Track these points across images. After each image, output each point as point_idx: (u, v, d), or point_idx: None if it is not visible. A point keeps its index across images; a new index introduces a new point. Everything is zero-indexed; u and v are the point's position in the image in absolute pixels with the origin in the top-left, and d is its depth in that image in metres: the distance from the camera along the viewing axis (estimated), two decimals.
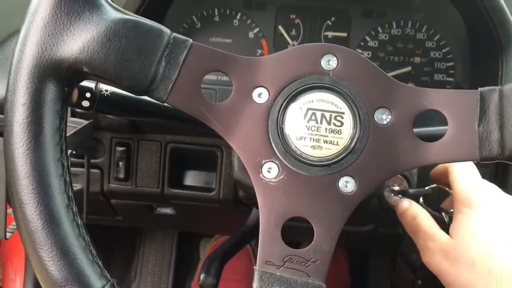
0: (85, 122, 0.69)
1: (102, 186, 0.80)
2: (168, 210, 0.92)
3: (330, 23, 0.79)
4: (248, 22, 0.81)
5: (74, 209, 0.39)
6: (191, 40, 0.41)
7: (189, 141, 0.79)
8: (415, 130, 0.40)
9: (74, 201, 0.39)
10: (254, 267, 0.39)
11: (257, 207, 0.75)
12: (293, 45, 0.81)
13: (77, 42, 0.38)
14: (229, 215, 0.87)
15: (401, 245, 0.74)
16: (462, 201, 0.50)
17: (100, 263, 0.39)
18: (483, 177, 0.75)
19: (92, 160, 0.78)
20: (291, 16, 0.80)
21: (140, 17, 0.40)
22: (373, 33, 0.78)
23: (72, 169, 0.77)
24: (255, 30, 0.81)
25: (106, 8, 0.40)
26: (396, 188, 0.65)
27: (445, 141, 0.39)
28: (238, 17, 0.81)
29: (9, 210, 0.57)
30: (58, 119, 0.39)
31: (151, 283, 1.37)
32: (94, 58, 0.38)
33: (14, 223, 0.58)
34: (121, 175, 0.79)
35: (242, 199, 0.75)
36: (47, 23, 0.38)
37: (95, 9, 0.39)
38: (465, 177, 0.53)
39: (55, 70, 0.39)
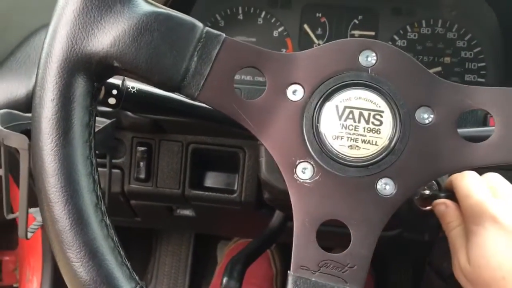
0: (108, 121, 0.68)
1: (122, 186, 0.79)
2: (187, 212, 0.90)
3: (357, 21, 0.77)
4: (272, 20, 0.79)
5: (102, 209, 0.38)
6: (224, 35, 0.40)
7: (211, 141, 0.77)
8: (459, 130, 0.38)
9: (102, 201, 0.38)
10: (289, 271, 0.38)
11: (281, 210, 0.74)
12: (319, 44, 0.79)
13: (108, 35, 0.37)
14: (249, 218, 0.85)
15: (429, 252, 0.72)
16: (470, 219, 0.48)
17: (128, 264, 0.37)
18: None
19: (113, 160, 0.77)
20: (317, 14, 0.78)
21: (172, 10, 0.39)
22: (401, 32, 0.76)
23: None
24: (280, 29, 0.79)
25: (138, 1, 0.38)
26: (427, 192, 0.63)
27: (494, 141, 0.37)
28: (262, 15, 0.80)
29: (30, 210, 0.55)
30: (88, 115, 0.38)
31: (167, 286, 1.36)
32: (125, 52, 0.37)
33: (35, 222, 0.57)
34: (142, 176, 0.78)
35: (267, 201, 0.73)
36: (78, 16, 0.37)
37: (126, 2, 0.38)
38: (468, 188, 0.50)
39: (85, 64, 0.37)
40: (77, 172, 0.36)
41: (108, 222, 0.37)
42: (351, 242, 0.38)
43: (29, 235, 0.62)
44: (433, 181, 0.66)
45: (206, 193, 0.79)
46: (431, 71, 0.76)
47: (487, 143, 0.37)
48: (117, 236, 0.38)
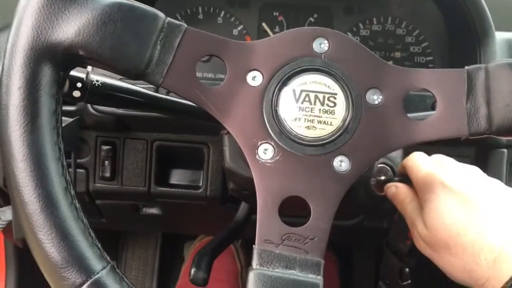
0: (71, 119, 0.69)
1: (87, 186, 0.79)
2: (154, 210, 0.91)
3: (312, 19, 0.81)
4: (232, 19, 0.82)
5: (72, 192, 0.39)
6: (185, 25, 0.42)
7: (176, 138, 0.79)
8: (409, 115, 0.42)
9: (72, 185, 0.39)
10: (254, 245, 0.40)
11: (246, 201, 0.76)
12: None
13: (73, 25, 0.39)
14: (215, 214, 0.87)
15: (387, 236, 0.76)
16: (422, 189, 0.52)
17: (99, 245, 0.38)
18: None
19: (77, 160, 0.77)
20: (274, 13, 0.81)
21: (134, 1, 0.41)
22: (354, 29, 0.80)
23: None
24: (239, 28, 0.82)
25: None
26: (382, 177, 0.67)
27: (435, 119, 0.41)
28: (222, 15, 0.82)
29: None
30: (54, 103, 0.39)
31: None
32: (90, 41, 0.39)
33: (2, 218, 0.57)
34: (107, 174, 0.78)
35: (232, 192, 0.75)
36: (42, 7, 0.38)
37: None
38: (417, 164, 0.55)
39: (50, 53, 0.38)
40: (45, 157, 0.38)
41: (77, 205, 0.39)
42: (311, 216, 0.40)
43: None
44: (388, 168, 0.70)
45: (172, 189, 0.81)
46: None
47: (430, 120, 0.41)
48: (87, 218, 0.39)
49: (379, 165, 0.69)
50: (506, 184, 0.76)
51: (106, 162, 0.78)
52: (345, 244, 1.24)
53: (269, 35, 0.82)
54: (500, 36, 0.76)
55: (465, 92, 0.40)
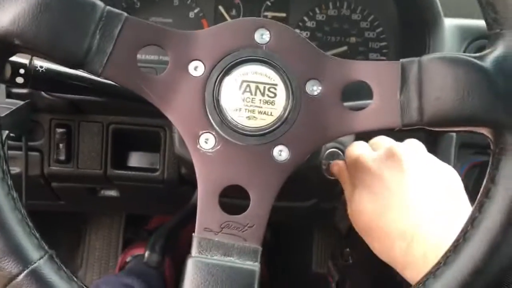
0: (22, 103, 0.68)
1: (42, 169, 0.79)
2: (112, 193, 0.91)
3: (269, 3, 0.81)
4: (188, 2, 0.81)
5: (9, 183, 0.39)
6: (125, 14, 0.41)
7: (132, 121, 0.78)
8: (346, 104, 0.43)
9: (9, 175, 0.39)
10: (193, 234, 0.41)
11: None
12: None
13: (7, 14, 0.38)
14: (173, 196, 0.87)
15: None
16: (350, 172, 0.56)
17: (37, 235, 0.39)
18: None
19: (31, 143, 0.76)
20: None
21: None
22: (311, 13, 0.80)
23: (10, 152, 0.75)
24: (196, 10, 0.81)
25: None
26: (331, 161, 0.69)
27: (370, 110, 0.42)
28: None
29: None
30: None
31: (98, 270, 1.35)
32: (25, 30, 0.38)
33: None
34: (62, 157, 0.78)
35: (185, 176, 0.76)
36: None
37: None
38: (351, 151, 0.58)
39: None
40: None
41: (15, 195, 0.39)
42: (250, 204, 0.42)
43: None
44: (339, 151, 0.71)
45: (129, 172, 0.81)
46: (337, 50, 0.83)
47: (366, 111, 0.42)
48: (25, 209, 0.39)
49: (330, 150, 0.71)
50: (454, 165, 0.80)
51: (61, 145, 0.77)
52: (305, 224, 1.27)
53: (225, 18, 0.81)
54: (452, 22, 0.77)
55: (399, 85, 0.41)
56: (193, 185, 0.83)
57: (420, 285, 0.39)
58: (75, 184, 0.84)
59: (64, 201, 0.92)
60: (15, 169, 0.76)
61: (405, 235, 0.47)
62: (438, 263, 0.39)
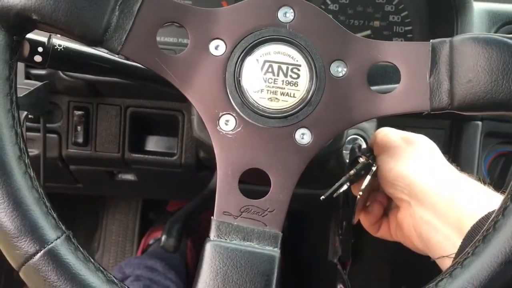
0: (40, 83, 0.67)
1: (60, 151, 0.79)
2: (129, 177, 0.91)
3: None
4: None
5: (26, 161, 0.38)
6: None
7: (150, 105, 0.78)
8: (372, 88, 0.41)
9: (26, 153, 0.38)
10: (212, 217, 0.40)
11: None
12: None
13: None
14: (190, 181, 0.87)
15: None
16: (378, 149, 0.58)
17: (55, 215, 0.38)
18: (437, 139, 0.79)
19: (49, 125, 0.76)
20: None
21: None
22: None
23: (28, 133, 0.75)
24: None
25: None
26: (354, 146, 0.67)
27: (398, 93, 0.40)
28: None
29: None
30: (8, 69, 0.38)
31: (115, 254, 1.36)
32: (43, 5, 0.37)
33: None
34: (80, 140, 0.77)
35: (203, 161, 0.75)
36: None
37: None
38: (380, 132, 0.61)
39: (2, 17, 0.37)
40: None
41: (32, 174, 0.38)
42: (270, 189, 0.40)
43: None
44: (361, 138, 0.70)
45: (146, 156, 0.80)
46: (361, 34, 0.80)
47: (393, 94, 0.40)
48: (42, 188, 0.39)
49: (352, 136, 0.69)
50: (479, 155, 0.78)
51: (79, 127, 0.77)
52: (323, 214, 1.26)
53: None
54: (480, 6, 0.75)
55: (429, 66, 0.39)
56: (211, 170, 0.83)
57: (447, 274, 0.37)
58: (92, 167, 0.84)
59: (82, 184, 0.92)
60: (33, 151, 0.76)
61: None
62: (466, 252, 0.38)
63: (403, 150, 0.56)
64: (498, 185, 0.81)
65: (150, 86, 0.58)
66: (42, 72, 0.72)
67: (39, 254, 0.36)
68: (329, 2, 0.79)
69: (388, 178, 0.55)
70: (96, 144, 0.79)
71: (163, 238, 0.70)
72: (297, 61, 0.41)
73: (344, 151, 0.68)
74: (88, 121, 0.78)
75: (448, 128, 0.78)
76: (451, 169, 0.55)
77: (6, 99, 0.38)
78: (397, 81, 0.41)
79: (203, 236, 0.40)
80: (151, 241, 1.15)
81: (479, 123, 0.77)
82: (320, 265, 1.31)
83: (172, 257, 0.96)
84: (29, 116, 0.73)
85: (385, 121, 0.74)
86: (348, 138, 0.68)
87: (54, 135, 0.78)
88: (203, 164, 0.80)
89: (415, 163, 0.54)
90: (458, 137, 0.78)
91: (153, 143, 0.84)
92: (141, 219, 1.34)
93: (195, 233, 1.07)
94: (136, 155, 0.80)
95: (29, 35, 0.48)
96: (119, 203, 1.36)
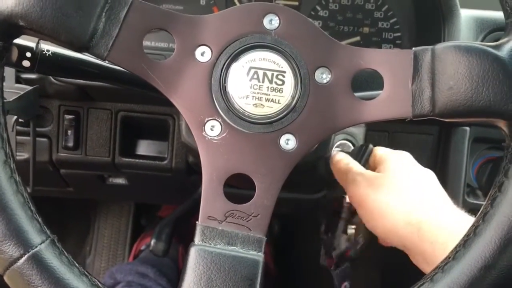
0: (30, 88, 0.68)
1: (50, 155, 0.79)
2: (120, 181, 0.91)
3: None
4: None
5: (11, 166, 0.38)
6: None
7: (141, 109, 0.78)
8: (356, 94, 0.42)
9: (12, 158, 0.39)
10: (197, 222, 0.40)
11: None
12: None
13: None
14: (181, 185, 0.87)
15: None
16: (379, 162, 0.59)
17: (40, 219, 0.38)
18: (425, 145, 0.79)
19: (39, 129, 0.77)
20: None
21: None
22: (323, 2, 0.79)
23: (18, 137, 0.75)
24: None
25: None
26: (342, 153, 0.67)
27: (381, 99, 0.41)
28: None
29: None
30: None
31: (107, 258, 1.36)
32: (30, 11, 0.38)
33: None
34: (70, 144, 0.78)
35: (192, 166, 0.75)
36: None
37: None
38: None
39: None
40: None
41: (18, 179, 0.38)
42: (255, 194, 0.41)
43: None
44: (350, 144, 0.70)
45: (137, 160, 0.80)
46: (350, 40, 0.81)
47: (375, 101, 0.41)
48: (27, 192, 0.39)
49: (340, 141, 0.70)
50: (467, 160, 0.78)
51: (69, 131, 0.77)
52: (314, 217, 1.26)
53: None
54: (468, 13, 0.75)
55: (411, 74, 0.40)
56: (201, 175, 0.83)
57: (428, 279, 0.38)
58: (83, 171, 0.84)
59: (73, 188, 0.92)
60: (24, 155, 0.76)
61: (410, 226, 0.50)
62: (447, 257, 0.38)
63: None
64: (485, 191, 0.81)
65: (138, 91, 0.58)
66: (33, 76, 0.73)
67: (23, 258, 0.36)
68: (319, 9, 0.79)
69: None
70: (86, 148, 0.79)
71: (153, 242, 0.70)
72: (282, 67, 0.42)
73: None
74: (78, 125, 0.78)
75: (436, 133, 0.79)
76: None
77: None
78: (382, 86, 0.41)
79: None
80: (142, 247, 1.15)
81: (467, 128, 0.77)
82: (312, 269, 1.32)
83: (163, 264, 0.96)
84: (19, 120, 0.73)
85: (374, 125, 0.75)
86: (337, 143, 0.68)
87: (45, 139, 0.78)
88: (193, 169, 0.80)
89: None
90: (446, 142, 0.79)
91: (144, 148, 0.84)
92: (134, 224, 1.34)
93: (186, 239, 1.07)
94: (127, 159, 0.80)
95: (18, 40, 0.49)
96: (111, 207, 1.35)
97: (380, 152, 0.61)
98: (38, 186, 0.75)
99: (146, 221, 1.31)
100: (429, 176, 0.56)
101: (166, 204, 1.20)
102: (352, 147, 0.70)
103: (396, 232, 0.51)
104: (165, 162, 0.79)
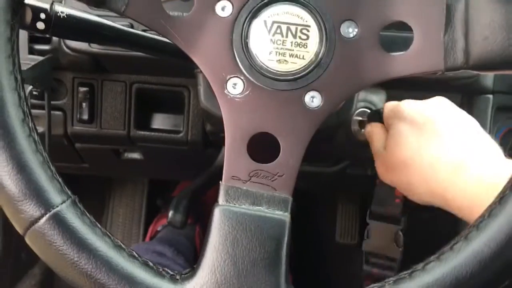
0: (43, 57, 0.67)
1: (65, 128, 0.78)
2: (135, 155, 0.90)
3: None
4: None
5: (30, 125, 0.37)
6: None
7: (155, 81, 0.77)
8: (381, 33, 0.40)
9: (30, 117, 0.38)
10: (220, 182, 0.39)
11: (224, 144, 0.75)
12: None
13: None
14: (197, 159, 0.86)
15: (373, 187, 0.75)
16: (389, 120, 0.56)
17: (60, 179, 0.37)
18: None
19: (54, 102, 0.76)
20: None
21: None
22: None
23: (33, 111, 0.73)
24: None
25: None
26: (360, 118, 0.66)
27: (411, 53, 0.39)
28: None
29: None
30: (9, 30, 0.37)
31: (121, 236, 1.36)
32: None
33: None
34: (85, 117, 0.77)
35: (209, 135, 0.74)
36: None
37: None
38: (390, 103, 0.59)
39: None
40: (0, 87, 0.36)
41: (36, 138, 0.37)
42: (280, 153, 0.39)
43: None
44: (369, 111, 0.68)
45: (152, 133, 0.79)
46: None
47: (405, 55, 0.39)
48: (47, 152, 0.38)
49: (360, 109, 0.68)
50: (490, 129, 0.76)
51: (84, 104, 0.76)
52: (330, 194, 1.25)
53: None
54: None
55: (443, 24, 0.38)
56: (218, 147, 0.82)
57: (462, 238, 0.36)
58: (98, 145, 0.83)
59: (88, 163, 0.92)
60: (39, 128, 0.75)
61: (451, 162, 0.48)
62: (482, 215, 0.37)
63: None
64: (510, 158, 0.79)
65: (153, 59, 0.57)
66: (46, 47, 0.71)
67: (44, 218, 0.35)
68: None
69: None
70: (101, 121, 0.78)
71: (170, 213, 0.69)
72: (306, 21, 0.40)
73: (353, 127, 0.67)
74: (93, 98, 0.77)
75: (458, 102, 0.77)
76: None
77: (8, 60, 0.37)
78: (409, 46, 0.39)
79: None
80: (159, 228, 1.15)
81: (490, 96, 0.75)
82: (328, 247, 1.31)
83: (181, 243, 0.95)
84: (34, 92, 0.72)
85: (395, 93, 0.73)
86: (357, 111, 0.67)
87: (59, 112, 0.77)
88: (210, 141, 0.79)
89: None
90: (469, 111, 0.76)
91: (159, 121, 0.83)
92: (148, 205, 1.34)
93: (203, 218, 1.07)
94: (142, 132, 0.79)
95: (31, 2, 0.47)
96: (125, 185, 1.35)
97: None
98: (54, 162, 0.74)
99: (161, 201, 1.31)
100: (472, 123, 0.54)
101: (182, 179, 1.19)
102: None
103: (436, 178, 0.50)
104: (180, 134, 0.78)
